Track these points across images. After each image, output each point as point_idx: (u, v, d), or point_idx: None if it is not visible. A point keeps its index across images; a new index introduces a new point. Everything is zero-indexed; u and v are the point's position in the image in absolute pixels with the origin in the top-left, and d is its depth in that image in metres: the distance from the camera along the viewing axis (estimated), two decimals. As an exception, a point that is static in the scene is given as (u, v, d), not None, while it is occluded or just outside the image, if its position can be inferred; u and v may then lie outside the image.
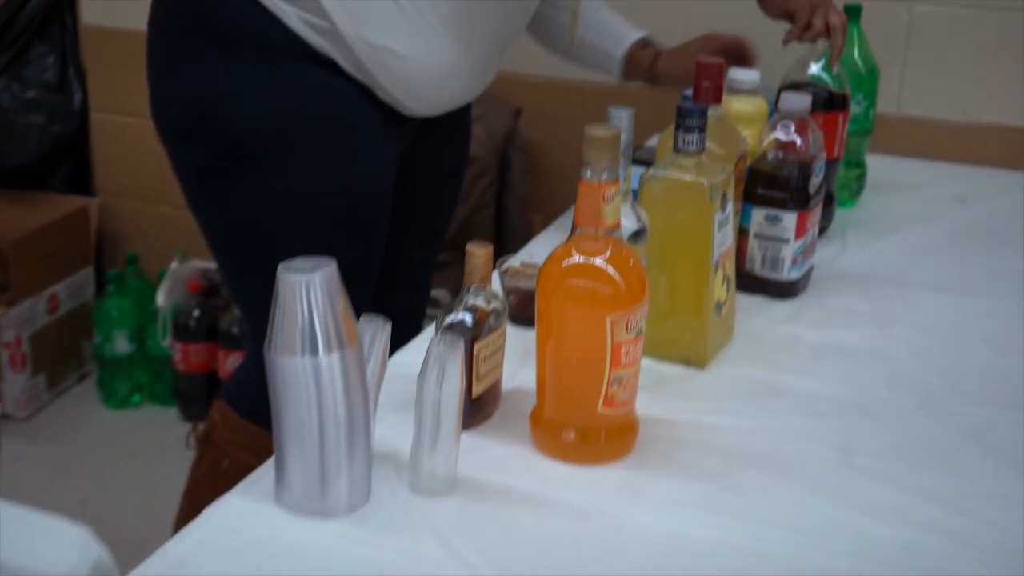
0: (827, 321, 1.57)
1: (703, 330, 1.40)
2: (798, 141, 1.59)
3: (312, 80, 1.58)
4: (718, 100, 1.48)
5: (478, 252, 1.22)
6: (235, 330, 2.81)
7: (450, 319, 1.23)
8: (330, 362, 1.04)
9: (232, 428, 1.78)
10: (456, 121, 1.81)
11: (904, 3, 2.22)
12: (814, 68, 1.81)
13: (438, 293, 2.37)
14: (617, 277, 1.16)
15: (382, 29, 1.55)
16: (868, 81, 1.96)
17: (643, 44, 1.93)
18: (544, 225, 2.65)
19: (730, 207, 1.43)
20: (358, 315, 1.10)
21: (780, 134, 1.59)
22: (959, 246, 1.86)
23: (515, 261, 1.54)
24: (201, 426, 2.04)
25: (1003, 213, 2.01)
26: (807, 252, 1.63)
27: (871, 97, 1.97)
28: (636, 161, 2.16)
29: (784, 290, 1.63)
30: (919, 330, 1.55)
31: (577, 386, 1.19)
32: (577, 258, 1.17)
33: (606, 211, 1.15)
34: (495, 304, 1.25)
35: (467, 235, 2.44)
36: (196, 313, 2.88)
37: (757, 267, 1.61)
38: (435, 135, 1.77)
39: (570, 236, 1.18)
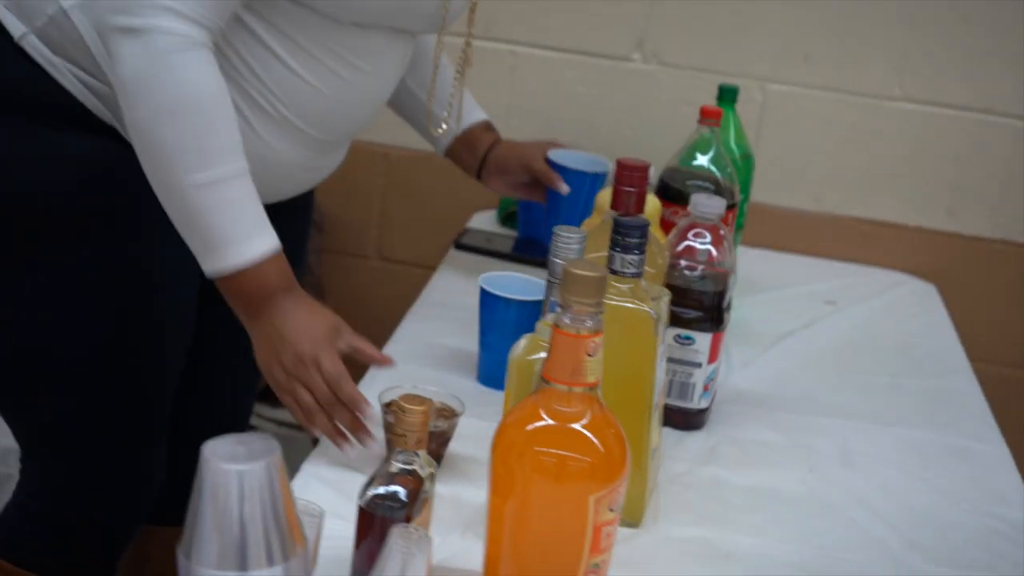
0: (747, 459, 1.48)
1: (640, 484, 1.29)
2: (713, 252, 1.51)
3: (85, 145, 1.41)
4: (641, 209, 1.38)
5: (413, 410, 1.06)
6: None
7: (379, 490, 1.06)
8: (271, 580, 0.86)
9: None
10: (291, 205, 1.63)
11: (757, 81, 2.20)
12: (701, 159, 1.75)
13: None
14: (600, 447, 1.02)
15: None
16: (744, 171, 1.90)
17: (486, 127, 1.85)
18: (339, 312, 2.50)
19: (666, 340, 1.33)
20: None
21: (695, 243, 1.51)
22: (845, 360, 1.83)
23: (394, 393, 1.38)
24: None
25: (874, 318, 2.00)
26: (716, 378, 1.56)
27: (746, 189, 1.92)
28: (460, 247, 2.06)
29: (692, 420, 1.53)
30: (847, 468, 1.49)
31: (544, 572, 1.05)
32: (549, 421, 1.03)
33: (588, 367, 1.02)
34: (429, 469, 1.10)
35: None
36: None
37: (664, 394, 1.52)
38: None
39: (537, 390, 1.04)
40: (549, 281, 1.19)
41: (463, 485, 1.29)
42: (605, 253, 1.25)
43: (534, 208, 2.08)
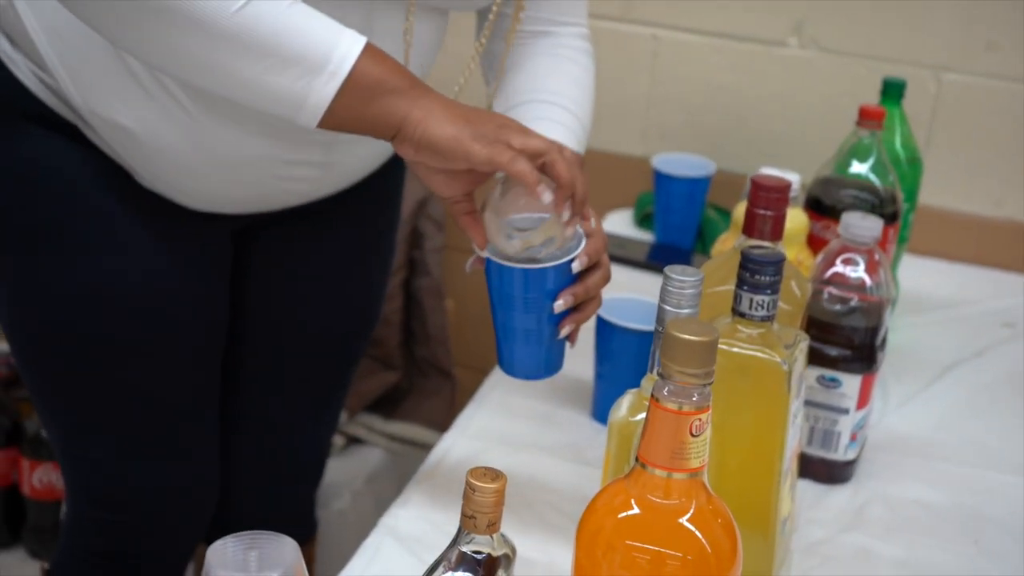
0: (900, 524, 1.31)
1: (767, 560, 1.13)
2: (867, 281, 1.33)
3: (40, 148, 1.29)
4: (779, 236, 1.21)
5: (486, 488, 0.91)
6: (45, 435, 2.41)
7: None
8: None
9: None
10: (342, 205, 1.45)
11: (931, 70, 1.99)
12: (859, 166, 1.56)
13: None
14: (706, 545, 0.87)
15: (115, 102, 1.24)
16: (910, 177, 1.70)
17: None
18: (461, 313, 2.38)
19: (803, 392, 1.15)
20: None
21: (846, 270, 1.33)
22: (1022, 398, 1.63)
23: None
24: None
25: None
26: (866, 424, 1.38)
27: (912, 197, 1.72)
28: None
29: (837, 473, 1.36)
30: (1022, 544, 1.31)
31: None
32: (640, 511, 0.87)
33: (692, 449, 0.86)
34: (505, 549, 0.95)
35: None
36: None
37: (803, 443, 1.35)
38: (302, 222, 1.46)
39: (628, 473, 0.89)
40: (657, 331, 1.03)
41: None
42: (732, 287, 1.09)
43: (673, 211, 1.93)
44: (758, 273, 1.07)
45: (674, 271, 1.01)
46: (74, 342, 1.37)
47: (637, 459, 0.87)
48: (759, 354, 1.08)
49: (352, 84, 1.07)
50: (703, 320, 1.02)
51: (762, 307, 1.08)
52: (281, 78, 1.06)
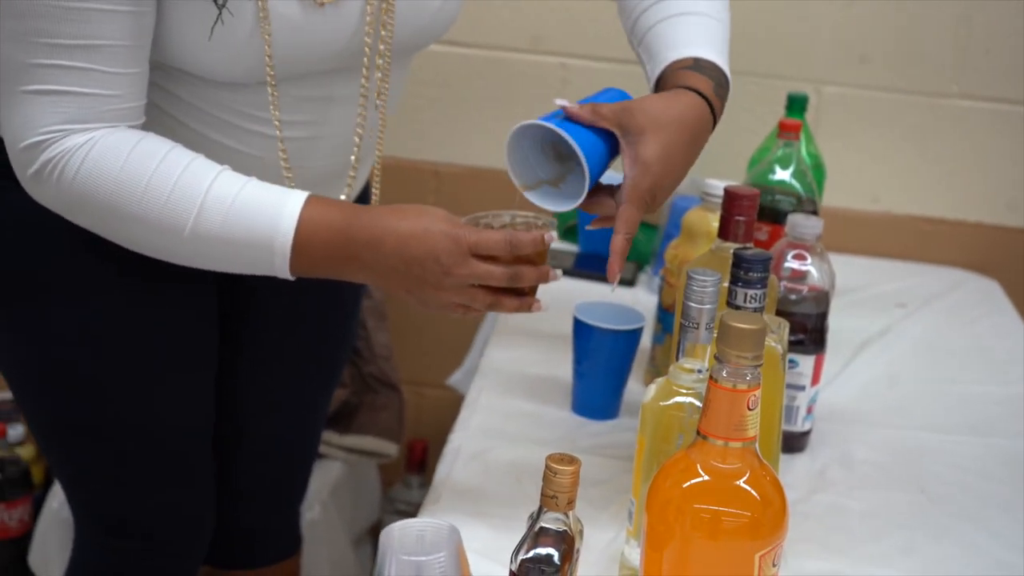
0: (859, 482, 1.42)
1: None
2: (814, 273, 1.44)
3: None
4: (751, 238, 1.31)
5: (564, 470, 0.99)
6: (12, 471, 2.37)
7: (531, 554, 0.99)
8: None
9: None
10: None
11: (812, 84, 2.13)
12: (782, 173, 1.68)
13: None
14: (761, 502, 0.96)
15: None
16: (818, 181, 1.84)
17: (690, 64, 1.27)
18: (402, 332, 2.41)
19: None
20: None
21: (796, 264, 1.44)
22: (925, 368, 1.76)
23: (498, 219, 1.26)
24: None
25: (945, 320, 1.94)
26: (818, 399, 1.49)
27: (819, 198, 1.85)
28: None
29: (796, 443, 1.46)
30: (956, 487, 1.42)
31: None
32: (707, 477, 0.96)
33: (749, 421, 0.95)
34: (580, 526, 1.03)
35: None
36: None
37: (767, 418, 1.45)
38: None
39: (693, 444, 0.98)
40: (683, 325, 1.11)
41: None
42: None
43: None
44: (751, 270, 1.15)
45: (696, 272, 1.10)
46: (74, 380, 1.38)
47: (699, 432, 0.96)
48: (757, 340, 1.18)
49: (298, 262, 1.18)
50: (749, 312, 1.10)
51: (755, 300, 1.17)
52: (244, 261, 1.19)
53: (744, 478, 0.95)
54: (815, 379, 1.44)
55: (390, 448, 2.16)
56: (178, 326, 1.40)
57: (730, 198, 1.29)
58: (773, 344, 1.18)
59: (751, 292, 1.16)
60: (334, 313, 1.60)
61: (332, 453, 2.14)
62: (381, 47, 1.28)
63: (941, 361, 1.80)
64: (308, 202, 1.18)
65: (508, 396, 1.54)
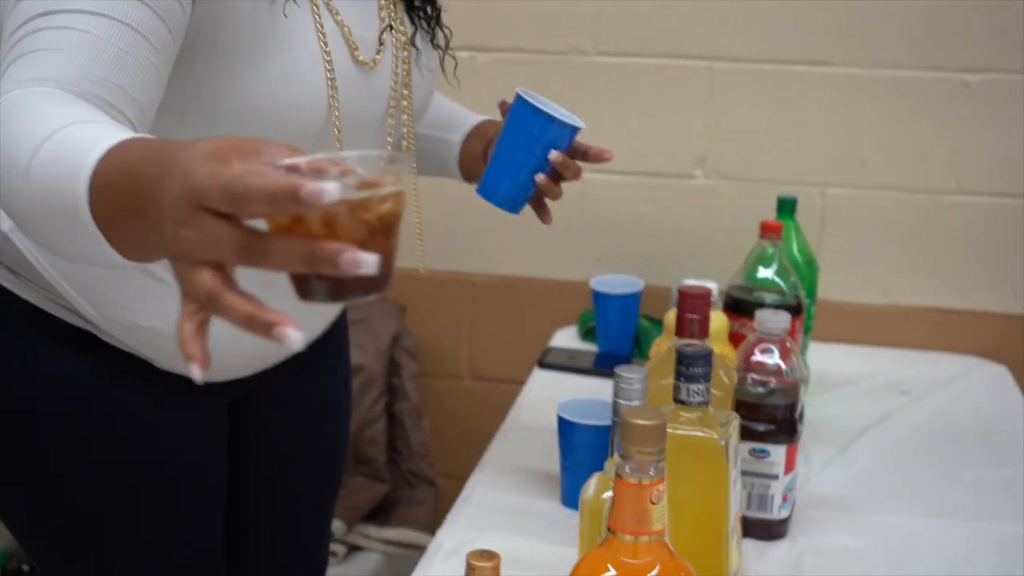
0: (834, 569, 1.38)
1: (723, 608, 1.20)
2: (783, 366, 1.42)
3: (51, 358, 1.25)
4: (706, 334, 1.31)
5: (483, 567, 0.99)
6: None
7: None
8: None
9: None
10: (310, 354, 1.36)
11: (816, 187, 2.12)
12: (765, 272, 1.67)
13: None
14: (672, 596, 0.95)
15: (133, 307, 1.23)
16: (809, 277, 1.82)
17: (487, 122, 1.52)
18: (438, 430, 2.44)
19: (740, 463, 1.24)
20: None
21: (763, 358, 1.42)
22: (924, 453, 1.71)
23: None
24: None
25: (950, 405, 1.89)
26: (795, 487, 1.46)
27: (812, 293, 1.83)
28: (543, 365, 1.99)
29: (774, 530, 1.43)
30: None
31: None
32: (615, 573, 0.95)
33: (653, 515, 0.94)
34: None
35: (357, 453, 2.19)
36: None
37: (743, 507, 1.43)
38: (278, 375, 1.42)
39: (603, 541, 0.97)
40: (614, 421, 1.11)
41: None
42: (672, 380, 1.18)
43: (612, 324, 2.03)
44: (692, 366, 1.16)
45: (623, 371, 1.10)
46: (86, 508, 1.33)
47: (608, 528, 0.95)
48: (699, 433, 1.17)
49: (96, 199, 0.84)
50: (651, 408, 1.10)
51: (698, 394, 1.17)
52: (55, 204, 0.86)
53: (653, 572, 0.94)
54: (788, 467, 1.41)
55: (426, 540, 2.16)
56: (197, 452, 1.38)
57: (683, 297, 1.29)
58: (715, 436, 1.16)
59: (693, 387, 1.16)
60: (338, 413, 1.60)
61: (371, 546, 2.15)
62: (404, 117, 1.31)
63: (941, 446, 1.75)
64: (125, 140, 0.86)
65: (501, 490, 1.54)
